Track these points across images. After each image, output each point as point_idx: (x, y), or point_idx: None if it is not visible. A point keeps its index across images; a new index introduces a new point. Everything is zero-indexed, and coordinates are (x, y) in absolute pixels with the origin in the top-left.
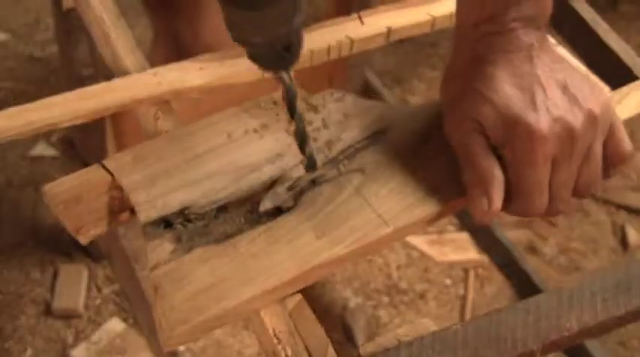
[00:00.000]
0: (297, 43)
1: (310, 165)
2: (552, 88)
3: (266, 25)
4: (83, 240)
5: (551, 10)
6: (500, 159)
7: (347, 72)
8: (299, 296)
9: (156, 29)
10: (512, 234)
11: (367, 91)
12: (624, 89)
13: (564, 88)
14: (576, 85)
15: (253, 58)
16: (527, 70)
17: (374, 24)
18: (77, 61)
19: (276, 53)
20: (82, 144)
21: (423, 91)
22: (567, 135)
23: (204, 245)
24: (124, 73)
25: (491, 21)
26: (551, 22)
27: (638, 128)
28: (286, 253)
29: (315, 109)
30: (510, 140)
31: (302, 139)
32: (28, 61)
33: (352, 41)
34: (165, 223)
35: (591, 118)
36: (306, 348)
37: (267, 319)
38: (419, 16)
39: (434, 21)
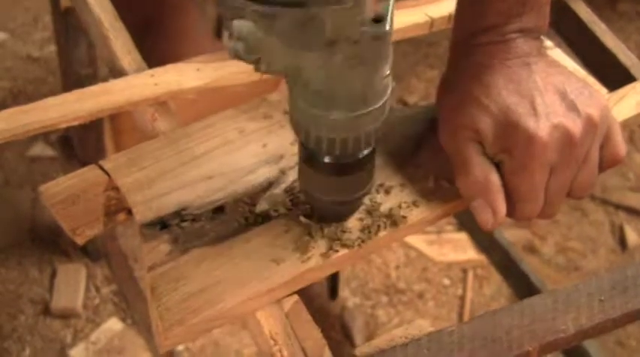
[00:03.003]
0: (358, 207)
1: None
2: (551, 93)
3: (339, 188)
4: (80, 240)
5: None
6: (496, 166)
7: None
8: (295, 297)
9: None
10: (511, 234)
11: None
12: (622, 90)
13: (563, 94)
14: (574, 90)
15: (313, 208)
16: (524, 76)
17: None
18: (76, 60)
19: (336, 210)
20: (80, 144)
21: (421, 91)
22: (566, 141)
23: (200, 246)
24: (122, 74)
25: (491, 31)
26: (549, 22)
27: (637, 129)
28: (283, 255)
29: None
30: (509, 147)
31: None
32: (26, 60)
33: None
34: (162, 224)
35: (590, 124)
36: (303, 349)
37: (264, 320)
38: (417, 18)
39: (432, 22)
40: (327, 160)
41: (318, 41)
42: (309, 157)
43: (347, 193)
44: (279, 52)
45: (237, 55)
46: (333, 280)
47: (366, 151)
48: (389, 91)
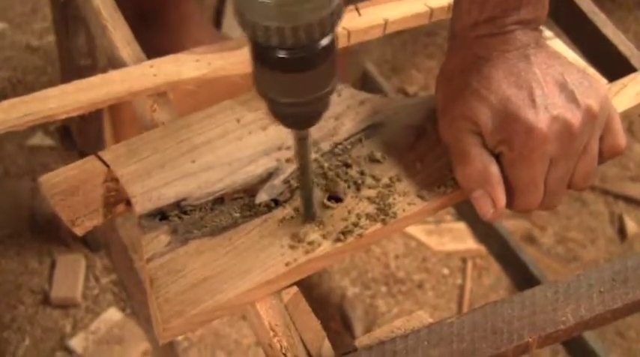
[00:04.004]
0: (324, 107)
1: (309, 215)
2: (550, 85)
3: (298, 87)
4: (79, 231)
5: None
6: (495, 157)
7: (345, 62)
8: (295, 289)
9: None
10: (510, 224)
11: (365, 82)
12: (622, 81)
13: (562, 85)
14: (574, 81)
15: (276, 115)
16: (523, 67)
17: (371, 15)
18: (75, 50)
19: (299, 114)
20: (80, 134)
21: (420, 81)
22: (566, 133)
23: (199, 238)
24: (121, 65)
25: (489, 23)
26: (549, 12)
27: (637, 119)
28: (282, 246)
29: None
30: (508, 138)
31: (307, 195)
32: (25, 50)
33: (349, 33)
34: (161, 215)
35: (590, 115)
36: (302, 340)
37: (263, 311)
38: (416, 8)
39: (431, 12)
40: (281, 54)
41: None
42: (260, 54)
43: (308, 91)
44: None
45: None
46: None
47: (324, 42)
48: None
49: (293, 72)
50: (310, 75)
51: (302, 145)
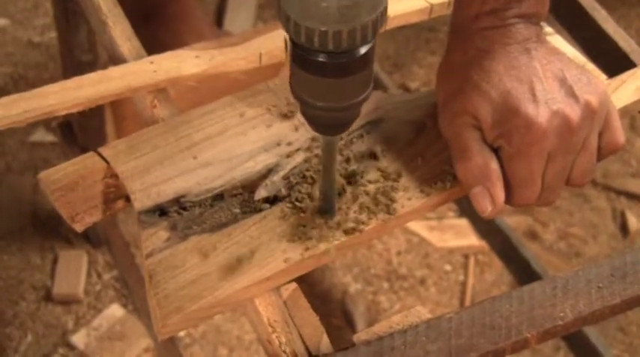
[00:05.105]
0: (356, 114)
1: (327, 212)
2: (550, 80)
3: (337, 93)
4: (79, 227)
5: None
6: (494, 152)
7: None
8: (294, 285)
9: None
10: (512, 220)
11: None
12: (622, 77)
13: (562, 80)
14: (574, 77)
15: (308, 117)
16: (524, 61)
17: None
18: (76, 46)
19: (332, 119)
20: (81, 130)
21: (422, 77)
22: (565, 128)
23: (199, 234)
24: (121, 61)
25: (490, 16)
26: (550, 8)
27: (638, 115)
28: (281, 242)
29: None
30: (508, 132)
31: (329, 197)
32: (27, 46)
33: None
34: (161, 211)
35: (589, 111)
36: (301, 336)
37: (262, 308)
38: (416, 4)
39: (431, 8)
40: (320, 58)
41: None
42: (299, 56)
43: (344, 97)
44: None
45: None
46: None
47: (363, 49)
48: None
49: (333, 77)
50: (349, 81)
51: (330, 150)
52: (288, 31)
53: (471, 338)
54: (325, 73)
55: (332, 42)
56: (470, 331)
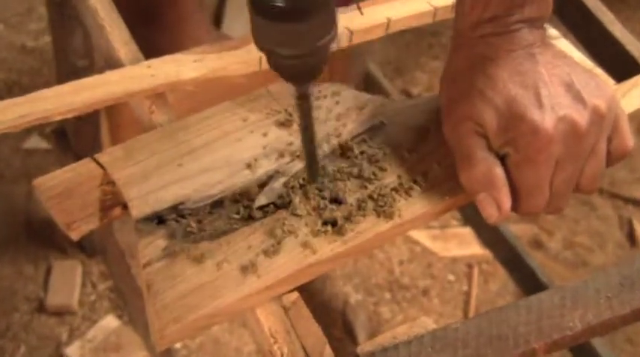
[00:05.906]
0: (324, 59)
1: (312, 177)
2: (556, 84)
3: (299, 38)
4: (74, 236)
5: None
6: (500, 159)
7: (347, 63)
8: (295, 294)
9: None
10: (517, 228)
11: (368, 83)
12: (630, 81)
13: (568, 85)
14: (581, 81)
15: (276, 68)
16: (529, 67)
17: (373, 15)
18: (71, 51)
19: (301, 66)
20: (76, 136)
21: (425, 82)
22: (573, 134)
23: (198, 242)
24: (118, 65)
25: (493, 22)
26: (555, 11)
27: None
28: (282, 250)
29: None
30: (514, 140)
31: (310, 156)
32: (21, 51)
33: (351, 32)
34: (159, 219)
35: (597, 115)
36: (303, 347)
37: (263, 317)
38: (420, 7)
39: (435, 12)
40: (279, 3)
41: None
42: (259, 3)
43: (306, 42)
44: None
45: None
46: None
47: None
48: None
49: (291, 22)
50: (309, 25)
51: (304, 103)
52: None
53: (477, 349)
54: (285, 17)
55: None
56: (477, 341)
